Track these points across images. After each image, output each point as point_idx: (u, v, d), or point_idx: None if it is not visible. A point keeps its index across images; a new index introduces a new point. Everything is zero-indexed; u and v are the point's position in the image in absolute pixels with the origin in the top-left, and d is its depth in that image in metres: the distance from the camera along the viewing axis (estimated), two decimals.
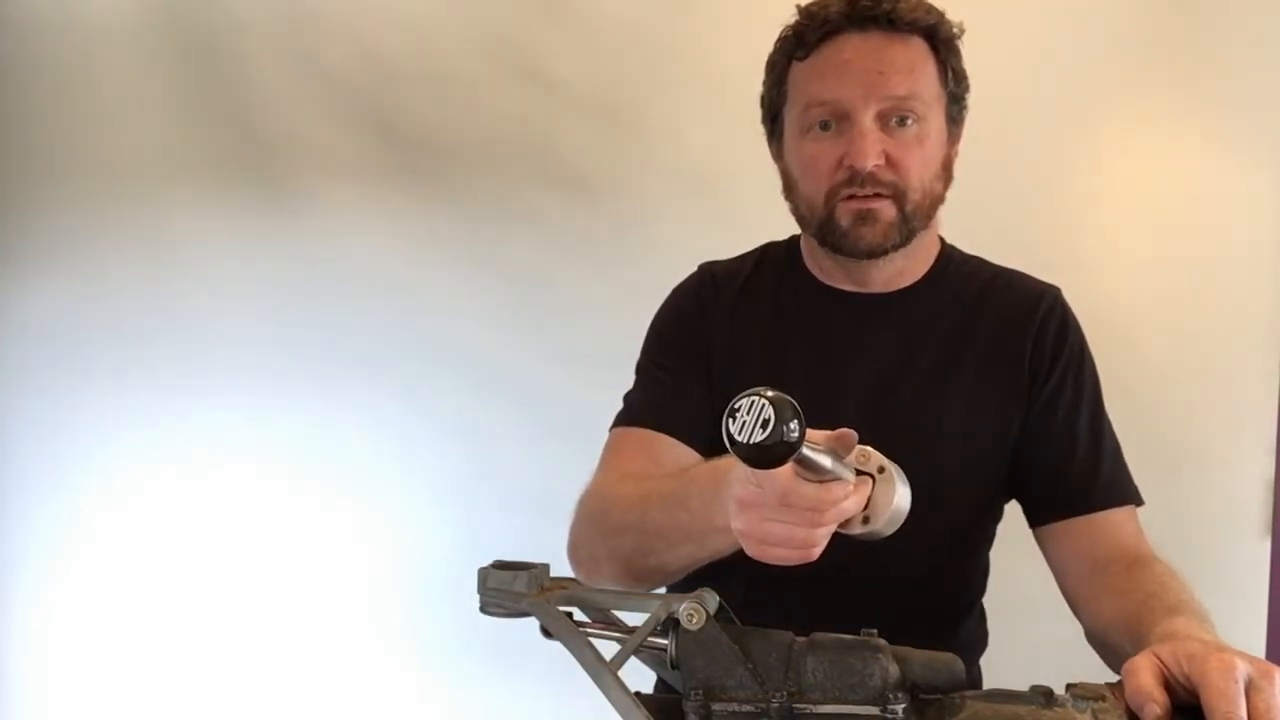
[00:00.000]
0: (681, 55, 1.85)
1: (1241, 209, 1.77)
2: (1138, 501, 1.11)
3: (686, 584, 1.26)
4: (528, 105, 1.89)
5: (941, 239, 1.20)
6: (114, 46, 1.95)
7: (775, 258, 1.22)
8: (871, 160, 1.03)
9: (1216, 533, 1.77)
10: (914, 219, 1.07)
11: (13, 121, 1.99)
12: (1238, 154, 1.77)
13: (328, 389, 1.96)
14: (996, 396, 1.10)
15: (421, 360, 1.93)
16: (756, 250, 1.25)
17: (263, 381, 1.97)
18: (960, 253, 1.20)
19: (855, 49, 1.04)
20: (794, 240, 1.22)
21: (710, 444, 1.12)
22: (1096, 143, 1.80)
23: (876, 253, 1.08)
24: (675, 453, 1.09)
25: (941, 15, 1.07)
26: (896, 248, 1.08)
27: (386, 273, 1.94)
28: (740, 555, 1.15)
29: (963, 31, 1.09)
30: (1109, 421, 1.14)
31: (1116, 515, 1.08)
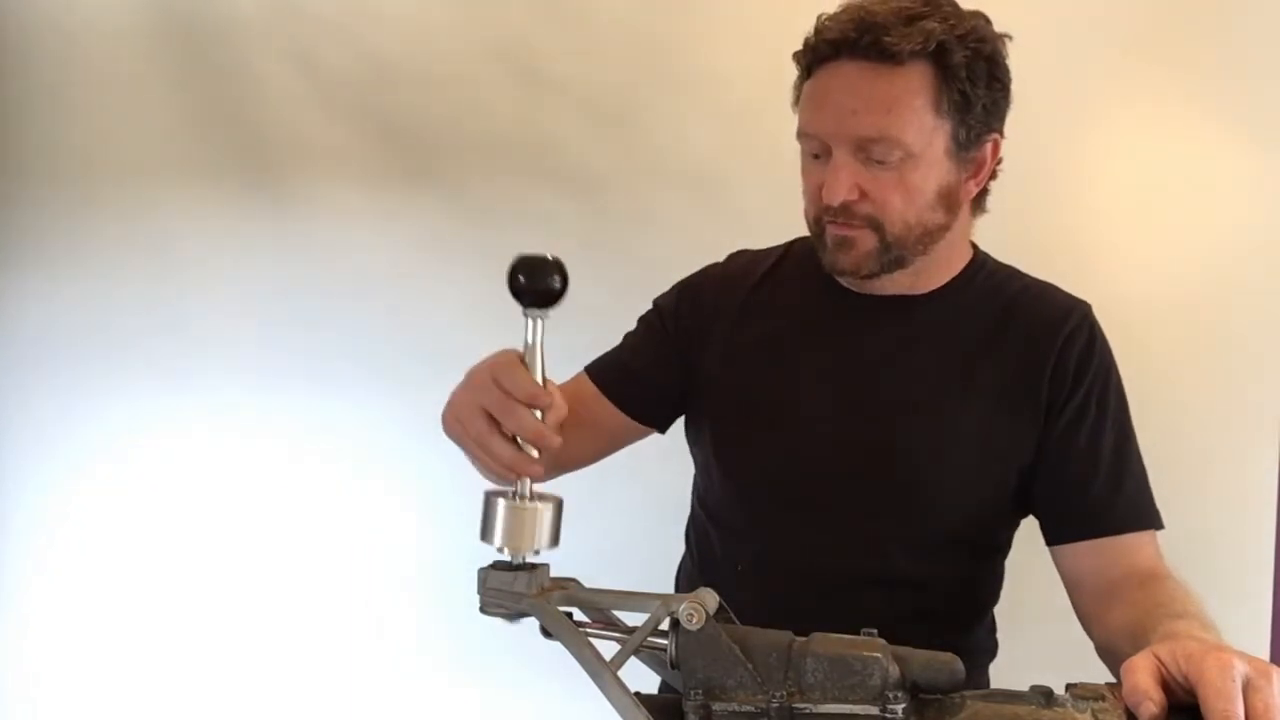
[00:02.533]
0: (681, 55, 1.85)
1: (1248, 206, 1.77)
2: (1158, 526, 1.08)
3: (687, 585, 1.28)
4: (528, 105, 1.89)
5: (976, 247, 1.18)
6: (114, 46, 1.95)
7: (801, 252, 1.22)
8: (839, 197, 1.03)
9: (1221, 533, 1.76)
10: (898, 248, 1.06)
11: (13, 121, 1.99)
12: (1245, 152, 1.76)
13: (327, 389, 1.96)
14: (1012, 409, 1.09)
15: (421, 360, 1.93)
16: (785, 244, 1.25)
17: (261, 380, 1.97)
18: (994, 262, 1.18)
19: (839, 80, 1.03)
20: None
21: (643, 409, 1.22)
22: (1101, 140, 1.80)
23: (856, 276, 1.09)
24: (599, 406, 1.21)
25: (959, 35, 1.01)
26: (879, 272, 1.08)
27: (386, 272, 1.95)
28: (738, 550, 1.16)
29: (985, 52, 1.03)
30: (1136, 444, 1.11)
31: (1135, 539, 1.07)
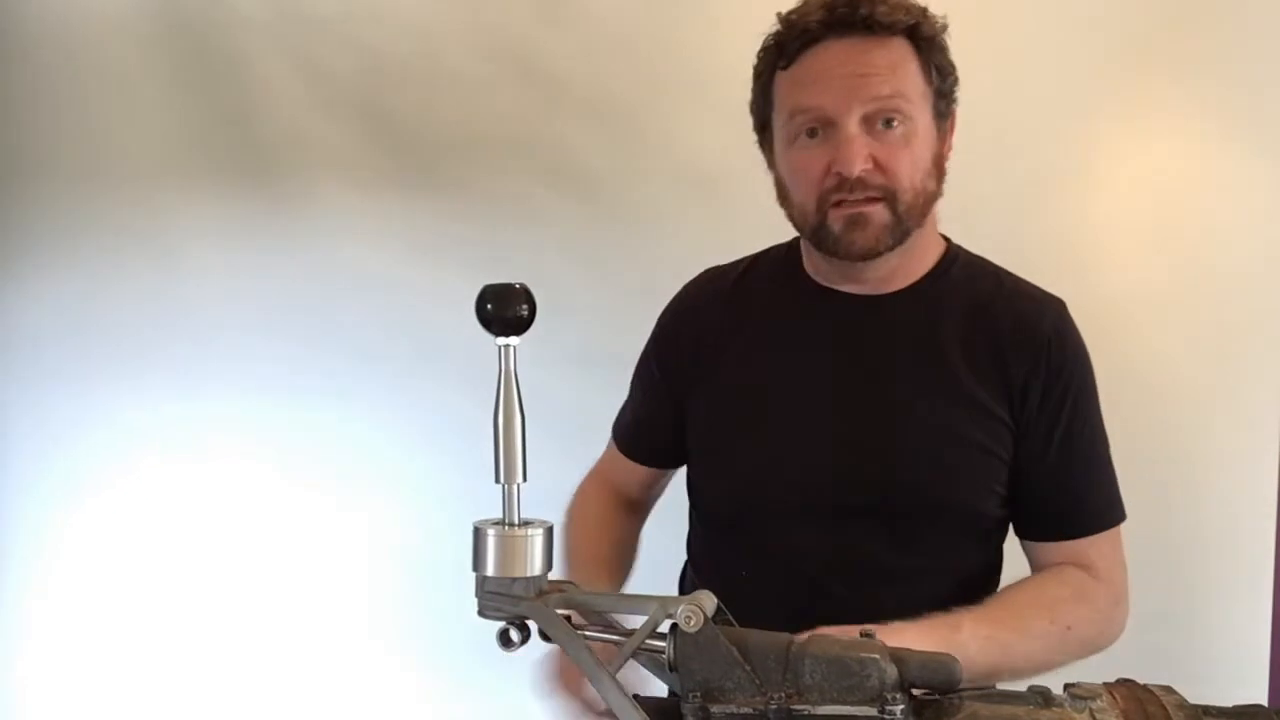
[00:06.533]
0: (681, 55, 1.85)
1: (1248, 205, 1.77)
2: (1119, 520, 1.13)
3: (686, 586, 1.28)
4: (528, 105, 1.89)
5: (948, 240, 1.19)
6: (114, 46, 1.95)
7: (772, 258, 1.23)
8: (858, 166, 1.03)
9: (1221, 533, 1.76)
10: (908, 219, 1.07)
11: (13, 121, 1.99)
12: (1244, 151, 1.76)
13: (327, 389, 1.96)
14: (985, 407, 1.09)
15: (421, 359, 1.93)
16: (755, 254, 1.26)
17: (260, 380, 1.97)
18: (967, 255, 1.18)
19: (836, 55, 1.05)
20: (795, 242, 1.22)
21: (664, 459, 1.29)
22: (1099, 140, 1.80)
23: (871, 255, 1.08)
24: (628, 469, 1.31)
25: (923, 13, 1.06)
26: (891, 248, 1.08)
27: (386, 272, 1.95)
28: (732, 554, 1.17)
29: (945, 27, 1.08)
30: (1105, 441, 1.14)
31: (1095, 538, 1.12)
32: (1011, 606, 1.06)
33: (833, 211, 1.06)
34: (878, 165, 1.04)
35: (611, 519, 1.29)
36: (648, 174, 1.88)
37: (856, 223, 1.06)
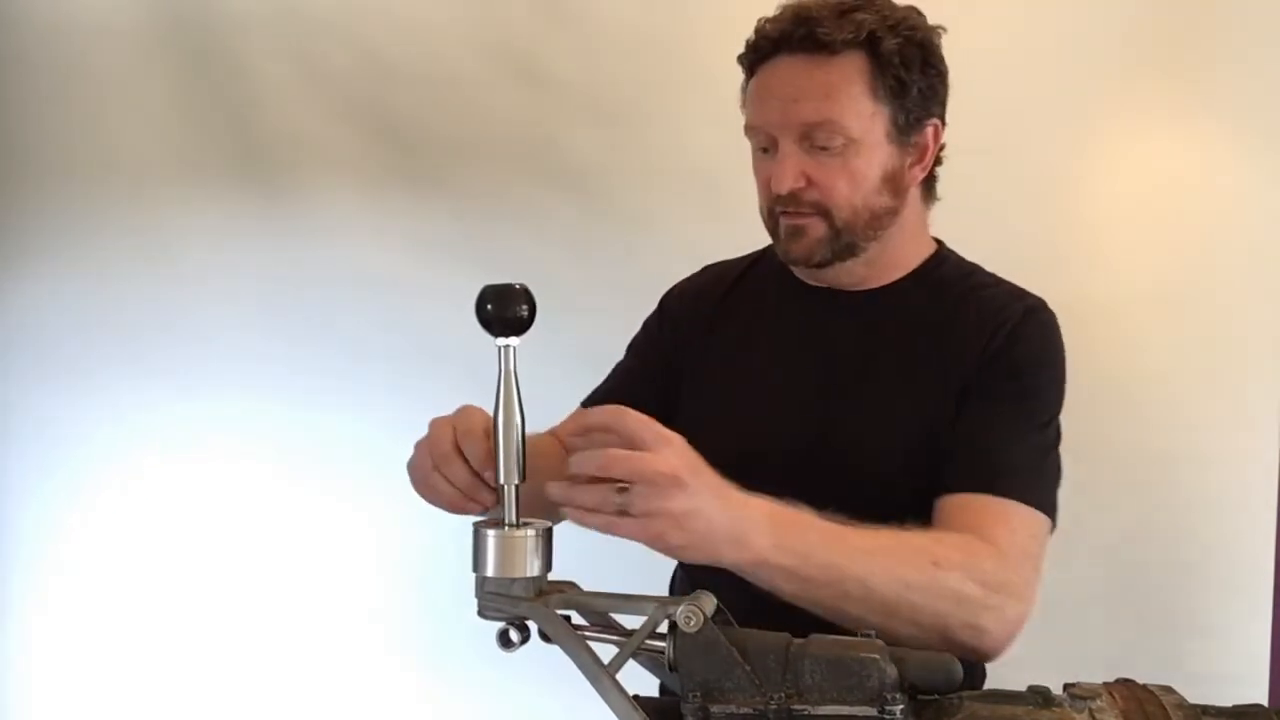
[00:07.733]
0: (681, 55, 1.85)
1: (1246, 205, 1.77)
2: (1036, 505, 1.00)
3: (686, 589, 1.28)
4: (528, 105, 1.89)
5: (940, 243, 1.19)
6: (114, 46, 1.95)
7: (771, 256, 1.24)
8: (786, 185, 1.06)
9: (1221, 533, 1.76)
10: (848, 234, 1.08)
11: (13, 121, 1.99)
12: (1242, 153, 1.76)
13: (327, 388, 1.96)
14: (947, 405, 1.08)
15: (421, 360, 1.93)
16: (761, 250, 1.27)
17: (261, 380, 1.97)
18: (957, 259, 1.19)
19: (780, 74, 1.07)
20: None
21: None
22: (1098, 142, 1.80)
23: (809, 264, 1.11)
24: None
25: (890, 24, 1.05)
26: (831, 260, 1.10)
27: (386, 272, 1.95)
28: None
29: (913, 38, 1.05)
30: (1041, 436, 1.06)
31: (1004, 513, 0.99)
32: (877, 527, 0.91)
33: (781, 219, 1.10)
34: (812, 183, 1.07)
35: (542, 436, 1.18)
36: (648, 174, 1.88)
37: (794, 233, 1.10)
